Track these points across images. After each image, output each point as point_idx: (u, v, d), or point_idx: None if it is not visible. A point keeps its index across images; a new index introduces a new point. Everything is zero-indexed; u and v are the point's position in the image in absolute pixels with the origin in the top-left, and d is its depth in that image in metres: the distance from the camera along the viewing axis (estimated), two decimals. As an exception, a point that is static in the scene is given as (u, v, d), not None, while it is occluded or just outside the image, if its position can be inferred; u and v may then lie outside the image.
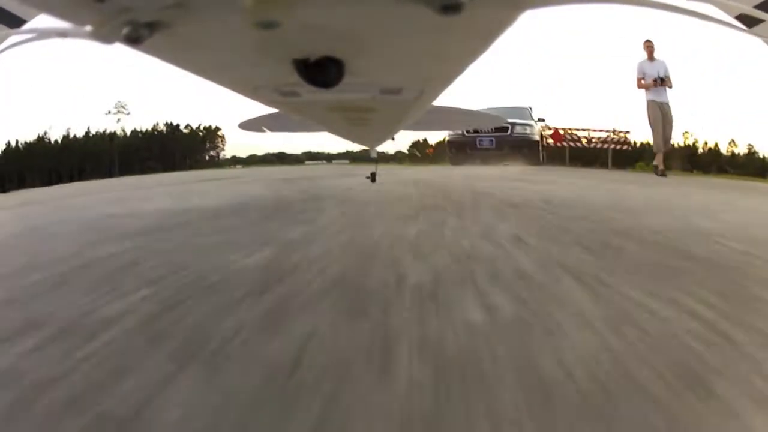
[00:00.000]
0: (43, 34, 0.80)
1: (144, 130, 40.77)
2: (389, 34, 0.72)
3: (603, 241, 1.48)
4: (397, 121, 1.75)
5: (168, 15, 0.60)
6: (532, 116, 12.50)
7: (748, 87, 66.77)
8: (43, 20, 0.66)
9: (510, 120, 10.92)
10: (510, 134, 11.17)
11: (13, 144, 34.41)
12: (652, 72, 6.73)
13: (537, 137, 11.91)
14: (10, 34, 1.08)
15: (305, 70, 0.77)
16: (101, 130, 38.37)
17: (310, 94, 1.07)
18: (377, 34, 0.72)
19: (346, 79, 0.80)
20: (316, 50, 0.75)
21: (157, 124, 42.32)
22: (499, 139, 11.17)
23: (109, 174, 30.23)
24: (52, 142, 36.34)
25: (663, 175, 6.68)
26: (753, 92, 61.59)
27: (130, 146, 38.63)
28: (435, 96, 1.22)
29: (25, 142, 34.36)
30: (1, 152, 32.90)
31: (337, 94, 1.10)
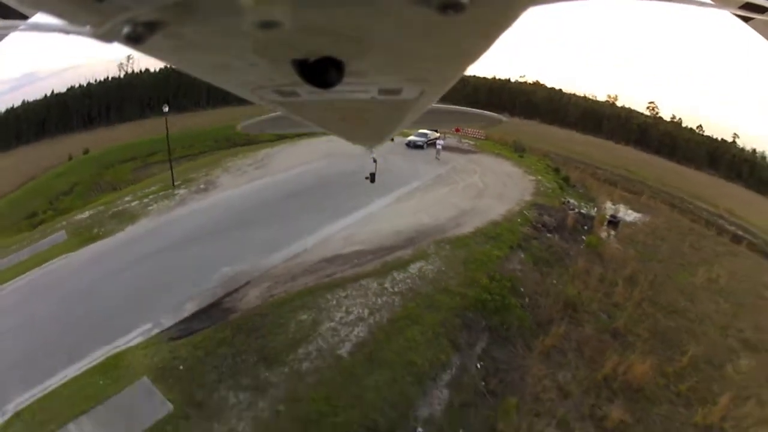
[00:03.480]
0: (44, 29, 0.77)
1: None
2: (389, 35, 0.71)
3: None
4: (397, 121, 1.73)
5: (168, 15, 0.59)
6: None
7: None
8: (43, 17, 0.65)
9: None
10: None
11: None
12: None
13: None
14: (12, 29, 1.06)
15: (305, 71, 0.77)
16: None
17: (310, 94, 1.06)
18: (377, 34, 0.71)
19: (346, 80, 0.79)
20: (315, 51, 0.75)
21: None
22: None
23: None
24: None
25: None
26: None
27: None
28: (435, 96, 1.21)
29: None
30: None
31: (336, 95, 1.09)
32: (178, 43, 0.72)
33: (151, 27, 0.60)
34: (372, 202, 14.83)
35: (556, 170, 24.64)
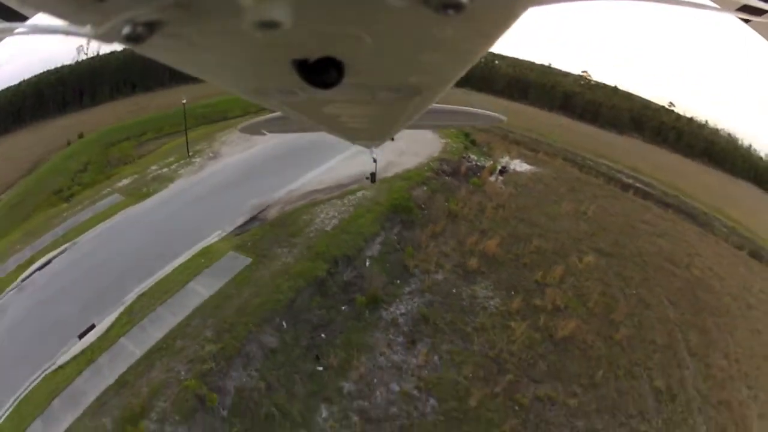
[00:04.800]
0: (44, 30, 0.80)
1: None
2: (389, 35, 0.74)
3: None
4: (397, 121, 1.77)
5: (168, 15, 0.61)
6: None
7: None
8: (44, 17, 0.67)
9: None
10: None
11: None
12: None
13: None
14: (12, 30, 1.15)
15: (305, 71, 0.79)
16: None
17: (310, 94, 1.06)
18: (377, 34, 0.73)
19: (347, 80, 0.81)
20: (316, 51, 0.76)
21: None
22: None
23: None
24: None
25: None
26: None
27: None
28: (436, 96, 1.23)
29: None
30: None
31: (337, 95, 1.10)
32: (178, 43, 0.72)
33: (151, 27, 0.61)
34: (331, 158, 23.02)
35: (466, 135, 29.36)
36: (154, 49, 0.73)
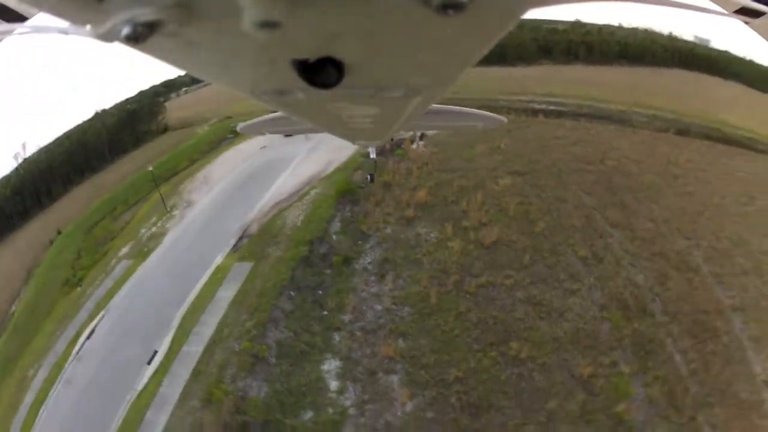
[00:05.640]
0: (45, 30, 0.83)
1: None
2: (389, 35, 0.74)
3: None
4: (397, 121, 1.78)
5: (168, 15, 0.61)
6: None
7: None
8: (44, 17, 0.66)
9: None
10: None
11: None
12: None
13: None
14: (12, 30, 1.13)
15: (305, 71, 0.80)
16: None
17: (310, 95, 1.06)
18: (377, 34, 0.74)
19: (346, 80, 0.82)
20: (316, 51, 0.76)
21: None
22: None
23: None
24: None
25: None
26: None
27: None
28: (436, 96, 1.24)
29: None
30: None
31: (337, 95, 1.10)
32: (178, 43, 0.73)
33: (151, 27, 0.61)
34: (281, 176, 28.45)
35: None
36: (154, 49, 0.75)
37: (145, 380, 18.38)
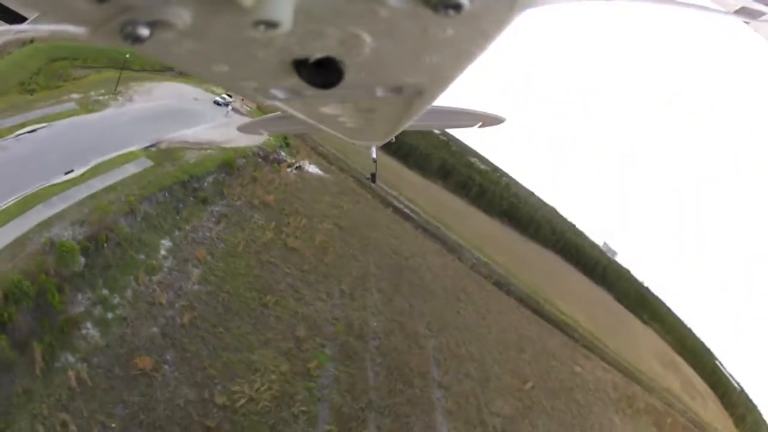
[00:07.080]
0: (44, 30, 0.83)
1: None
2: (389, 35, 0.75)
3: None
4: (398, 121, 1.79)
5: (168, 15, 0.62)
6: None
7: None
8: (44, 17, 0.68)
9: None
10: None
11: None
12: None
13: None
14: (12, 30, 1.11)
15: (305, 71, 0.81)
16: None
17: (310, 94, 1.08)
18: (377, 34, 0.74)
19: (347, 80, 0.83)
20: (316, 51, 0.78)
21: None
22: None
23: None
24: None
25: None
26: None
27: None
28: (436, 95, 1.24)
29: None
30: None
31: (337, 95, 1.13)
32: (179, 43, 0.73)
33: (151, 27, 0.62)
34: (199, 125, 43.71)
35: (285, 138, 46.10)
36: (154, 49, 0.76)
37: (58, 181, 32.55)
